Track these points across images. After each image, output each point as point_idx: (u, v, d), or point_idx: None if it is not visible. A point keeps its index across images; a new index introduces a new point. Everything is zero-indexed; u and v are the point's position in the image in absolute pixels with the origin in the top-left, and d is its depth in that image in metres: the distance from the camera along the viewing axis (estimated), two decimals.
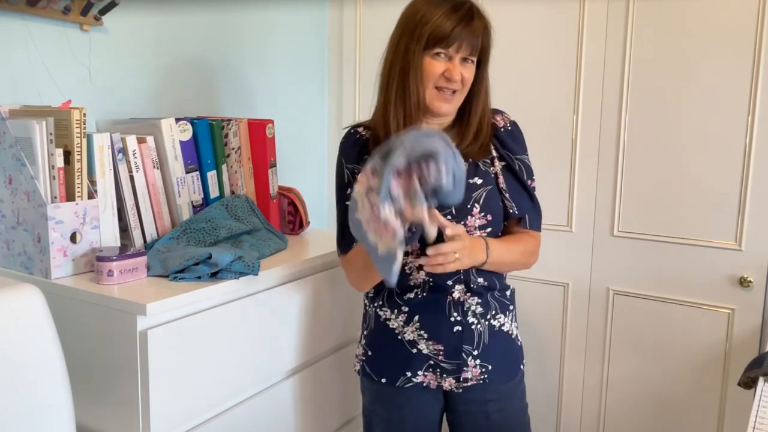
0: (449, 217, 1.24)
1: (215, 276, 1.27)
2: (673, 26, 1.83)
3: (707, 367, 1.90)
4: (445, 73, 1.21)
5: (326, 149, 2.51)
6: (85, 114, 1.25)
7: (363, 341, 1.39)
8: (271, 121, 1.67)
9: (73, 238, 1.26)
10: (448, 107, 1.25)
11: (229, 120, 1.58)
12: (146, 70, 1.73)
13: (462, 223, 1.24)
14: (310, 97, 2.38)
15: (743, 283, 1.82)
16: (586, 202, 2.02)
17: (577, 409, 2.11)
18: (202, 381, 1.25)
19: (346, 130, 1.36)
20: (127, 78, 1.69)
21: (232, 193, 1.60)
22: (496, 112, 1.35)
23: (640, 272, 1.97)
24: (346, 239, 1.31)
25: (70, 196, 1.26)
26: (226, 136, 1.58)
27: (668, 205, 1.90)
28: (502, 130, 1.33)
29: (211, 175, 1.54)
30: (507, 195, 1.29)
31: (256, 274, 1.31)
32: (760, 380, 1.23)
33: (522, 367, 1.39)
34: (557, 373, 2.12)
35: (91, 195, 1.29)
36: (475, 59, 1.24)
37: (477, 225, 1.26)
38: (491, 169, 1.30)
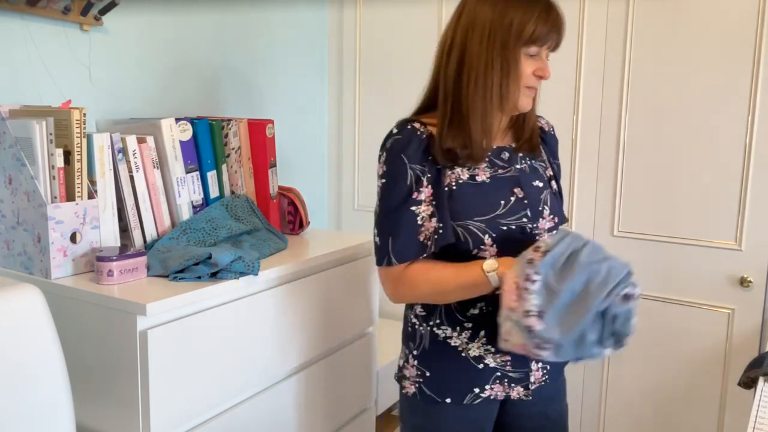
0: (524, 220, 1.19)
1: (215, 276, 1.27)
2: (673, 26, 1.84)
3: (707, 367, 1.90)
4: (536, 72, 1.16)
5: (326, 149, 2.51)
6: (85, 114, 1.25)
7: (414, 362, 1.27)
8: (271, 121, 1.67)
9: (73, 238, 1.26)
10: (531, 104, 1.21)
11: (229, 120, 1.58)
12: (146, 69, 1.73)
13: (535, 226, 1.20)
14: (310, 97, 2.38)
15: (743, 283, 1.82)
16: (586, 202, 2.02)
17: (577, 409, 2.11)
18: (202, 381, 1.25)
19: (400, 126, 1.20)
20: (127, 78, 1.69)
21: (232, 193, 1.60)
22: (538, 116, 1.31)
23: (640, 272, 1.95)
24: (408, 247, 1.16)
25: (70, 196, 1.26)
26: (226, 136, 1.58)
27: (668, 205, 1.90)
28: (548, 133, 1.33)
29: (211, 175, 1.54)
30: (558, 198, 1.30)
31: (256, 274, 1.31)
32: (760, 380, 1.23)
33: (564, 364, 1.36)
34: None
35: (91, 195, 1.29)
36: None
37: (546, 227, 1.22)
38: (547, 171, 1.29)
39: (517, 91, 1.16)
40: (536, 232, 1.21)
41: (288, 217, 1.75)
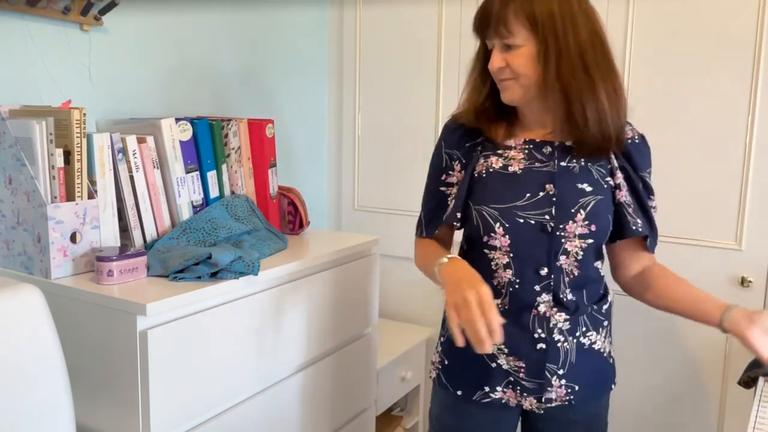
0: (547, 217, 1.16)
1: (215, 276, 1.27)
2: (673, 26, 1.84)
3: (707, 367, 1.90)
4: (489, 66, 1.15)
5: (326, 149, 2.51)
6: (85, 114, 1.25)
7: (440, 348, 1.31)
8: (271, 121, 1.67)
9: (73, 238, 1.26)
10: (511, 95, 1.15)
11: (229, 120, 1.58)
12: (146, 70, 1.73)
13: (561, 227, 1.15)
14: (310, 97, 2.38)
15: (743, 283, 1.82)
16: None
17: None
18: (202, 381, 1.25)
19: (448, 119, 1.29)
20: (127, 78, 1.69)
21: (232, 193, 1.60)
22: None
23: None
24: (429, 226, 1.28)
25: (70, 196, 1.26)
26: (226, 136, 1.58)
27: (668, 205, 1.90)
28: (629, 141, 1.21)
29: (211, 175, 1.54)
30: (630, 210, 1.19)
31: (256, 274, 1.31)
32: (760, 380, 1.23)
33: (613, 386, 1.29)
34: None
35: (91, 195, 1.29)
36: (518, 39, 1.09)
37: (577, 233, 1.16)
38: (608, 179, 1.19)
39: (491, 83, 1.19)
40: (561, 233, 1.16)
41: (288, 217, 1.75)
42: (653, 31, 1.86)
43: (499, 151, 1.21)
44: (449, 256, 1.13)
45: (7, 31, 1.42)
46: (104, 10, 1.57)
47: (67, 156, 1.25)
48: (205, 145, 1.52)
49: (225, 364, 1.30)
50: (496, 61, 1.12)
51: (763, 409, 1.09)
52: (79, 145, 1.25)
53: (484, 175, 1.20)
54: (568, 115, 1.14)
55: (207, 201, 1.54)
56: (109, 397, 1.19)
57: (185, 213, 1.48)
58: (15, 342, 0.97)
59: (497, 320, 0.99)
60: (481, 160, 1.21)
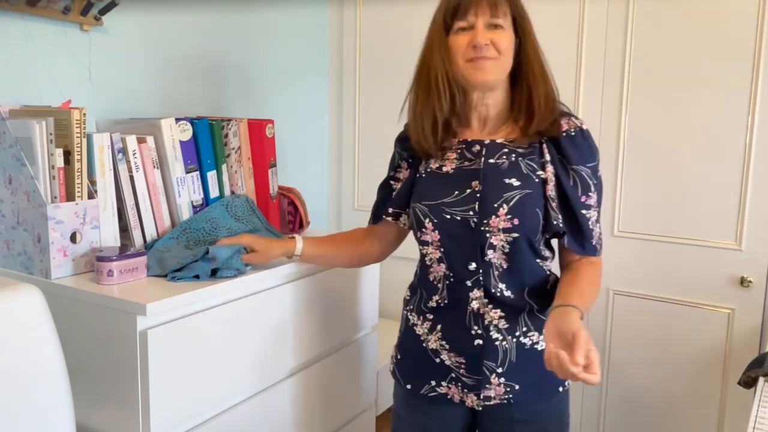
0: (471, 213, 1.18)
1: (214, 275, 1.27)
2: (673, 26, 1.84)
3: (707, 367, 1.90)
4: (470, 42, 1.14)
5: (326, 149, 2.51)
6: (85, 114, 1.25)
7: (396, 342, 1.37)
8: (271, 121, 1.67)
9: (73, 238, 1.26)
10: (484, 75, 1.15)
11: (229, 120, 1.58)
12: (146, 70, 1.73)
13: (485, 222, 1.17)
14: (310, 97, 2.38)
15: (743, 283, 1.82)
16: None
17: (578, 409, 2.11)
18: (202, 381, 1.25)
19: (400, 133, 1.37)
20: (127, 78, 1.69)
21: (232, 193, 1.60)
22: (564, 114, 1.22)
23: (640, 272, 1.97)
24: (374, 215, 1.38)
25: (70, 196, 1.26)
26: (226, 136, 1.58)
27: (668, 205, 1.90)
28: (564, 134, 1.19)
29: (211, 175, 1.54)
30: (553, 204, 1.17)
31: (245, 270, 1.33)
32: (760, 380, 1.23)
33: (562, 389, 1.26)
34: None
35: (91, 195, 1.29)
36: (504, 23, 1.15)
37: (501, 227, 1.16)
38: (539, 172, 1.18)
39: (455, 69, 1.17)
40: (486, 228, 1.17)
41: (288, 217, 1.75)
42: (653, 30, 1.86)
43: (438, 153, 1.26)
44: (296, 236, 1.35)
45: (7, 31, 1.42)
46: (104, 10, 1.57)
47: (67, 156, 1.25)
48: (205, 145, 1.52)
49: (225, 364, 1.30)
50: (483, 37, 1.14)
51: (763, 409, 1.09)
52: (79, 145, 1.25)
53: (423, 176, 1.27)
54: (528, 103, 1.20)
55: (207, 201, 1.53)
56: (109, 397, 1.19)
57: (185, 213, 1.48)
58: (15, 342, 0.97)
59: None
60: (423, 162, 1.28)
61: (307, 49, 2.33)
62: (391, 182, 1.36)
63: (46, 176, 1.24)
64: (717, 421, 1.90)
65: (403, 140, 1.33)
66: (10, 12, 1.41)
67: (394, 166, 1.37)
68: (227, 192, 1.59)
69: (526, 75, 1.19)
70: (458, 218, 1.19)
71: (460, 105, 1.21)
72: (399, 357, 1.34)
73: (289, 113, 2.27)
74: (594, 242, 1.22)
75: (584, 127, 1.22)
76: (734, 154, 1.79)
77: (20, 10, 1.41)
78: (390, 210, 1.33)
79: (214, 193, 1.55)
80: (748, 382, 1.28)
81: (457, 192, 1.20)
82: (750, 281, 1.81)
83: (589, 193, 1.20)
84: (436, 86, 1.19)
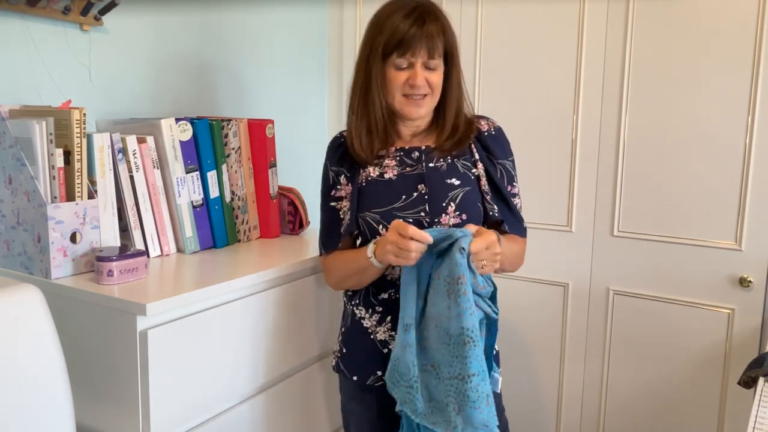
0: (422, 214, 1.27)
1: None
2: (673, 26, 1.84)
3: (707, 367, 1.90)
4: (408, 80, 1.25)
5: (326, 149, 2.50)
6: (85, 114, 1.25)
7: (340, 338, 1.40)
8: (271, 121, 1.67)
9: (73, 238, 1.26)
10: (419, 111, 1.29)
11: (229, 120, 1.58)
12: (146, 70, 1.73)
13: (436, 220, 1.27)
14: (310, 97, 2.38)
15: (743, 283, 1.82)
16: (585, 202, 2.02)
17: (577, 409, 2.11)
18: (202, 381, 1.25)
19: (334, 137, 1.41)
20: (127, 78, 1.69)
21: (232, 193, 1.60)
22: (481, 117, 1.38)
23: (640, 272, 1.97)
24: (331, 238, 1.35)
25: (70, 196, 1.26)
26: (226, 136, 1.58)
27: (668, 204, 1.90)
28: (486, 134, 1.35)
29: (211, 175, 1.54)
30: (488, 197, 1.31)
31: None
32: (760, 380, 1.23)
33: (496, 374, 1.32)
34: (557, 373, 2.12)
35: (91, 195, 1.29)
36: (438, 62, 1.26)
37: (451, 223, 1.27)
38: (473, 170, 1.32)
39: (391, 100, 1.28)
40: (437, 226, 1.26)
41: (288, 217, 1.75)
42: (653, 30, 1.86)
43: (375, 161, 1.33)
44: (373, 243, 1.24)
45: (7, 31, 1.42)
46: (104, 10, 1.57)
47: (67, 156, 1.25)
48: (205, 145, 1.53)
49: (225, 363, 1.30)
50: (421, 79, 1.25)
51: (763, 409, 1.09)
52: (79, 145, 1.25)
53: (364, 185, 1.32)
54: (436, 118, 1.33)
55: (207, 201, 1.54)
56: (109, 397, 1.19)
57: (185, 213, 1.48)
58: (15, 342, 0.97)
59: (415, 232, 1.12)
60: (362, 171, 1.33)
61: (307, 49, 2.33)
62: (332, 203, 1.36)
63: (46, 176, 1.24)
64: (717, 421, 1.90)
65: (336, 149, 1.37)
66: (10, 12, 1.41)
67: (330, 186, 1.37)
68: (227, 192, 1.59)
69: (449, 98, 1.32)
70: (410, 220, 1.26)
71: (393, 124, 1.32)
72: (344, 351, 1.37)
73: (289, 113, 2.27)
74: (524, 226, 1.38)
75: (499, 125, 1.39)
76: (734, 154, 1.79)
77: (20, 10, 1.41)
78: (351, 229, 1.32)
79: (214, 193, 1.55)
80: (748, 382, 1.28)
81: (404, 196, 1.28)
82: (750, 281, 1.81)
83: (514, 183, 1.36)
84: (374, 111, 1.29)
